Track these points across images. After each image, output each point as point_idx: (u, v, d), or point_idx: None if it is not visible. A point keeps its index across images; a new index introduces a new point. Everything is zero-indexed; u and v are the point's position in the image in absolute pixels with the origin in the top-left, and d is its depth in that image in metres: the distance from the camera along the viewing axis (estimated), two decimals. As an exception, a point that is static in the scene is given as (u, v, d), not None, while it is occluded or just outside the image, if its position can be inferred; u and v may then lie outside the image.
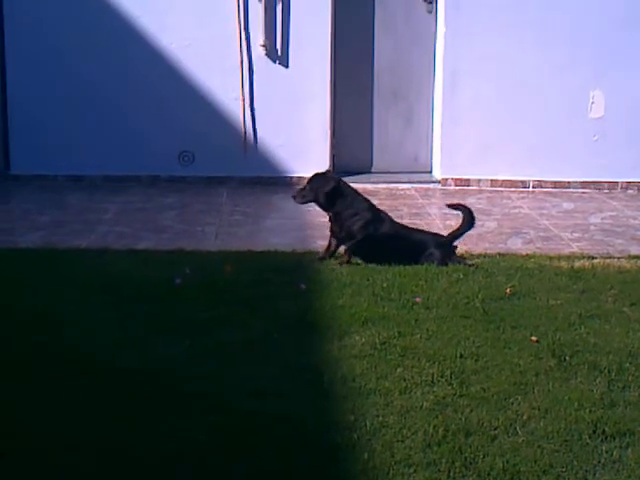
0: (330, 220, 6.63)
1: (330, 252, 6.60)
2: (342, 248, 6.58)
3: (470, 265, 6.49)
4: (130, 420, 4.07)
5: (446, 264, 6.44)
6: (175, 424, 4.04)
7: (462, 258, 6.64)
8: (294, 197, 6.76)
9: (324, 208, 6.66)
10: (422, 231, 6.98)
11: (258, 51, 9.13)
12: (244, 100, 9.20)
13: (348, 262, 6.46)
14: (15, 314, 5.32)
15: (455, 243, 6.68)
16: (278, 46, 9.17)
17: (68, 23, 9.01)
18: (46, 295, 5.68)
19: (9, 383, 4.40)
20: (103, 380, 4.45)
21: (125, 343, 4.93)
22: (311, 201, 6.68)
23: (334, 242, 6.61)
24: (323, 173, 6.87)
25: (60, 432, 3.96)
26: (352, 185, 6.77)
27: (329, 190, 6.55)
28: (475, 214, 6.76)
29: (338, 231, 6.57)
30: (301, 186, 6.82)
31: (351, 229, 6.51)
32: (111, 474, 3.66)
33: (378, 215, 6.65)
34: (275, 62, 9.21)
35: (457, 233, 6.72)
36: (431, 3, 9.46)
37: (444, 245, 6.62)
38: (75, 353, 4.77)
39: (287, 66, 9.21)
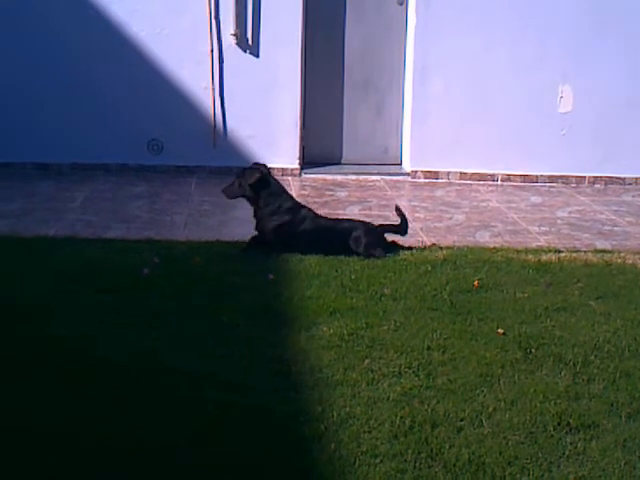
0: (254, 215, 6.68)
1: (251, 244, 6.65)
2: None
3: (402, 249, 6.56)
4: (99, 413, 4.05)
5: (373, 251, 6.47)
6: (144, 417, 4.02)
7: (396, 246, 6.69)
8: (223, 191, 6.75)
9: (251, 203, 6.66)
10: (348, 220, 7.00)
11: (228, 40, 9.08)
12: (214, 89, 9.16)
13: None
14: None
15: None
16: (249, 35, 9.12)
17: (36, 8, 8.92)
18: (12, 284, 5.64)
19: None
20: (71, 372, 4.42)
21: (94, 334, 4.90)
22: (240, 196, 6.68)
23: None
24: (251, 166, 6.83)
25: (26, 424, 3.93)
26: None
27: (254, 182, 6.56)
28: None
29: (259, 227, 6.63)
30: (231, 181, 6.81)
31: (268, 229, 6.57)
32: (79, 466, 3.63)
33: (298, 213, 6.63)
34: (246, 52, 9.16)
35: (388, 227, 6.79)
36: (402, -5, 9.47)
37: (371, 232, 6.64)
38: (43, 344, 4.72)
39: (257, 56, 9.18)
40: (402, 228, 6.78)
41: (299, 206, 6.73)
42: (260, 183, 6.59)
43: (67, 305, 5.29)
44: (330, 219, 6.91)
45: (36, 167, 9.07)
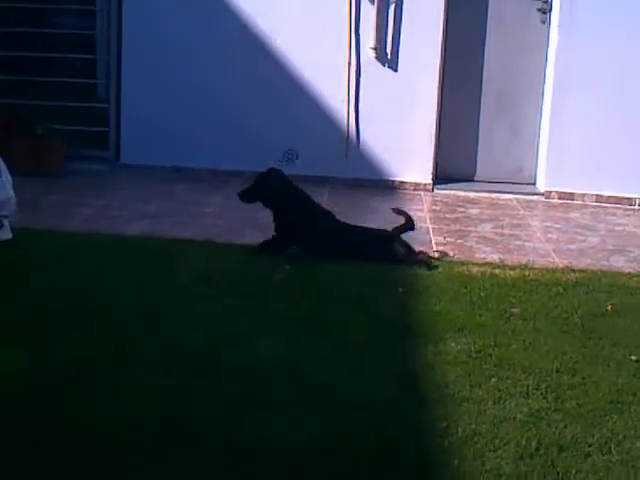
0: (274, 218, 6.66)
1: (265, 245, 6.64)
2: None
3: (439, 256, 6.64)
4: (231, 417, 4.12)
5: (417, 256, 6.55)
6: (271, 427, 4.03)
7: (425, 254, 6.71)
8: (239, 195, 6.74)
9: (269, 207, 6.65)
10: (369, 228, 6.90)
11: (368, 54, 9.15)
12: (349, 102, 9.24)
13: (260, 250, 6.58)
14: (120, 300, 5.48)
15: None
16: (388, 49, 9.17)
17: (179, 23, 9.22)
18: (146, 283, 5.82)
19: (101, 378, 4.47)
20: (201, 376, 4.49)
21: (224, 339, 4.99)
22: (256, 200, 6.67)
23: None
24: (268, 171, 6.80)
25: (161, 425, 4.06)
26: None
27: (272, 189, 6.59)
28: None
29: (278, 231, 6.62)
30: (248, 185, 6.79)
31: (286, 229, 6.59)
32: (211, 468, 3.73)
33: (319, 216, 6.67)
34: (384, 65, 9.21)
35: (401, 230, 6.72)
36: (545, 14, 9.33)
37: (394, 239, 6.62)
38: (173, 347, 4.84)
39: (396, 70, 9.21)
40: (410, 223, 6.76)
41: (321, 210, 6.74)
42: (280, 188, 6.62)
43: (199, 308, 5.42)
44: (353, 225, 6.83)
45: (174, 171, 9.31)
